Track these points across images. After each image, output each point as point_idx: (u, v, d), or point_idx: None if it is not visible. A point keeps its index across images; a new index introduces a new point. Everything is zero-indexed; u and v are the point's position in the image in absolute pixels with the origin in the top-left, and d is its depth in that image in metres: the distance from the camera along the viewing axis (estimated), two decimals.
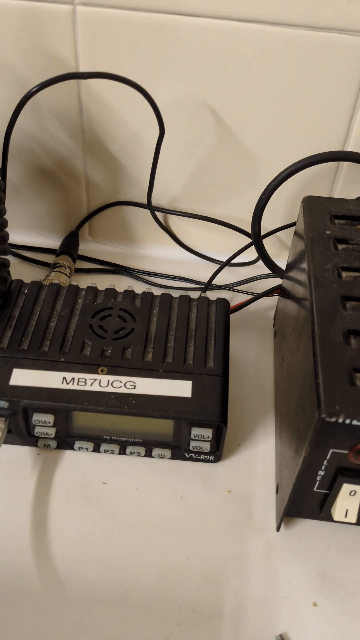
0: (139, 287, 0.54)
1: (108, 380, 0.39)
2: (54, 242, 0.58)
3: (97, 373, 0.40)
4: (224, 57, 0.45)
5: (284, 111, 0.48)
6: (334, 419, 0.29)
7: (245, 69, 0.46)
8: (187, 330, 0.43)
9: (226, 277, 0.56)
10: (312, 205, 0.42)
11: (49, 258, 0.56)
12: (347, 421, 0.30)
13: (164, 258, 0.58)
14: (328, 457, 0.33)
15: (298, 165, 0.44)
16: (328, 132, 0.48)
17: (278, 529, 0.38)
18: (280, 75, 0.46)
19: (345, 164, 0.51)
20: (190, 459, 0.42)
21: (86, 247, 0.59)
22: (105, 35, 0.45)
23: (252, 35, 0.44)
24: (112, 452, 0.42)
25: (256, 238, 0.49)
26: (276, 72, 0.46)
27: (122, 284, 0.55)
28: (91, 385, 0.39)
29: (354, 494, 0.35)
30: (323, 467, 0.34)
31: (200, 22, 0.44)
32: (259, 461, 0.42)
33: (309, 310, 0.35)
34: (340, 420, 0.30)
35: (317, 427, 0.30)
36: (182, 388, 0.39)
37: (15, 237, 0.56)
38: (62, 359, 0.40)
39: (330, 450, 0.33)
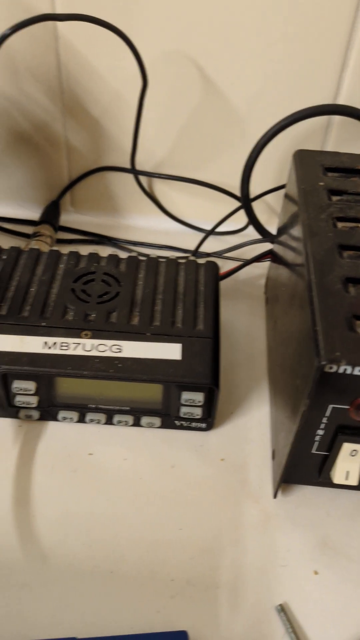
0: (123, 256, 0.52)
1: (92, 344, 0.37)
2: (34, 214, 0.55)
3: (81, 337, 0.37)
4: (209, 9, 0.43)
5: (272, 66, 0.46)
6: (334, 367, 0.28)
7: (231, 21, 0.44)
8: (174, 293, 0.41)
9: (214, 245, 0.54)
10: (303, 158, 0.40)
11: (29, 230, 0.54)
12: (348, 370, 0.28)
13: (148, 228, 0.56)
14: (327, 414, 0.31)
15: (289, 119, 0.42)
16: (318, 86, 0.46)
17: (275, 496, 0.36)
18: (267, 27, 0.44)
19: (335, 123, 0.49)
20: (181, 427, 0.39)
21: (68, 218, 0.56)
22: None
23: None
24: (98, 422, 0.39)
25: (245, 200, 0.47)
26: (263, 24, 0.44)
27: (105, 254, 0.53)
28: (74, 349, 0.37)
29: (355, 454, 0.33)
30: (322, 426, 0.32)
31: None
32: (253, 428, 0.40)
33: (304, 260, 0.33)
34: (340, 370, 0.28)
35: (317, 377, 0.28)
36: (171, 351, 0.37)
37: None
38: (43, 324, 0.38)
39: (330, 406, 0.31)
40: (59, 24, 0.44)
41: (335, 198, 0.37)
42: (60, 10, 0.43)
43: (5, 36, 0.35)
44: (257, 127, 0.49)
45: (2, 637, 0.30)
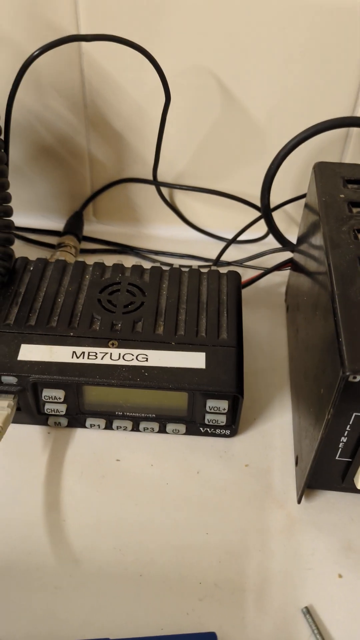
0: (146, 266, 0.53)
1: (119, 354, 0.38)
2: (58, 224, 0.57)
3: (108, 347, 0.39)
4: (228, 24, 0.44)
5: (291, 79, 0.47)
6: (358, 378, 0.28)
7: (251, 37, 0.45)
8: (198, 303, 0.42)
9: (234, 254, 0.55)
10: (323, 170, 0.41)
11: (53, 240, 0.55)
12: None
13: (170, 237, 0.57)
14: (351, 422, 0.32)
15: (308, 132, 0.43)
16: (336, 99, 0.47)
17: (299, 501, 0.37)
18: (286, 40, 0.45)
19: (354, 134, 0.49)
20: (206, 433, 0.40)
21: (91, 228, 0.57)
22: (107, 5, 0.43)
23: (257, 0, 0.43)
24: (125, 429, 0.40)
25: (265, 210, 0.48)
26: (282, 37, 0.45)
27: (128, 263, 0.54)
28: (102, 358, 0.38)
29: None
30: (346, 433, 0.33)
31: None
32: (276, 435, 0.41)
33: (326, 271, 0.33)
34: None
35: (341, 386, 0.28)
36: (195, 360, 0.38)
37: (18, 219, 0.55)
38: (71, 334, 0.39)
39: (354, 414, 0.31)
40: None
41: (355, 210, 0.38)
42: (84, 28, 0.45)
43: (34, 57, 0.36)
44: (277, 138, 0.50)
45: (38, 637, 0.31)
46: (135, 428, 0.40)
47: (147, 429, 0.40)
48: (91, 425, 0.40)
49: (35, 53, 0.36)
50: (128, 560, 0.34)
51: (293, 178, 0.53)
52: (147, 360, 0.38)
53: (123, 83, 0.48)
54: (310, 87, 0.47)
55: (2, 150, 0.38)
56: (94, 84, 0.48)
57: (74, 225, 0.55)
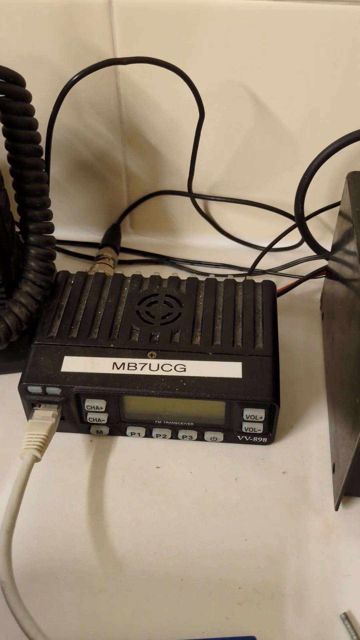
0: (183, 276, 0.54)
1: (158, 364, 0.39)
2: (96, 236, 0.58)
3: (147, 357, 0.40)
4: (260, 38, 0.45)
5: (323, 90, 0.47)
6: None
7: (281, 48, 0.46)
8: (234, 313, 0.43)
9: (269, 262, 0.55)
10: (357, 180, 0.42)
11: (91, 252, 0.57)
12: None
13: (205, 247, 0.58)
14: None
15: (341, 142, 0.44)
16: None
17: (337, 508, 0.37)
18: (318, 52, 0.45)
19: None
20: (243, 441, 0.41)
21: (128, 239, 0.59)
22: (142, 24, 0.45)
23: (288, 13, 0.44)
24: (164, 437, 0.42)
25: (300, 219, 0.48)
26: (314, 49, 0.45)
27: (165, 273, 0.55)
28: (141, 369, 0.39)
29: None
30: None
31: (234, 3, 0.43)
32: (313, 442, 0.42)
33: None
34: None
35: None
36: (232, 369, 0.39)
37: (58, 232, 0.57)
38: (112, 345, 0.41)
39: None
40: None
41: None
42: (119, 47, 0.46)
43: (73, 82, 0.38)
44: (309, 148, 0.51)
45: (85, 638, 0.32)
46: (174, 436, 0.42)
47: (186, 437, 0.41)
48: (132, 434, 0.42)
49: (75, 78, 0.38)
50: (169, 564, 0.35)
51: (327, 186, 0.53)
52: (185, 370, 0.39)
53: (157, 99, 0.49)
54: (342, 97, 0.47)
55: (44, 170, 0.40)
56: (130, 101, 0.50)
57: (112, 237, 0.56)
